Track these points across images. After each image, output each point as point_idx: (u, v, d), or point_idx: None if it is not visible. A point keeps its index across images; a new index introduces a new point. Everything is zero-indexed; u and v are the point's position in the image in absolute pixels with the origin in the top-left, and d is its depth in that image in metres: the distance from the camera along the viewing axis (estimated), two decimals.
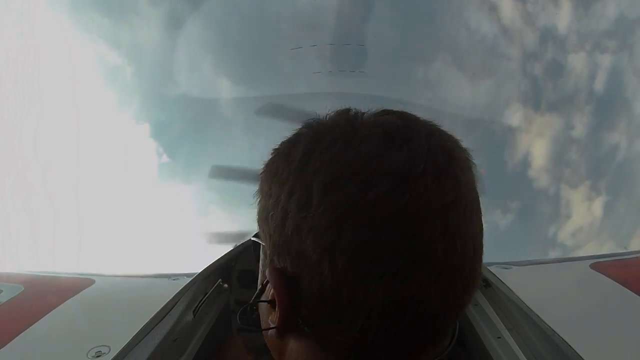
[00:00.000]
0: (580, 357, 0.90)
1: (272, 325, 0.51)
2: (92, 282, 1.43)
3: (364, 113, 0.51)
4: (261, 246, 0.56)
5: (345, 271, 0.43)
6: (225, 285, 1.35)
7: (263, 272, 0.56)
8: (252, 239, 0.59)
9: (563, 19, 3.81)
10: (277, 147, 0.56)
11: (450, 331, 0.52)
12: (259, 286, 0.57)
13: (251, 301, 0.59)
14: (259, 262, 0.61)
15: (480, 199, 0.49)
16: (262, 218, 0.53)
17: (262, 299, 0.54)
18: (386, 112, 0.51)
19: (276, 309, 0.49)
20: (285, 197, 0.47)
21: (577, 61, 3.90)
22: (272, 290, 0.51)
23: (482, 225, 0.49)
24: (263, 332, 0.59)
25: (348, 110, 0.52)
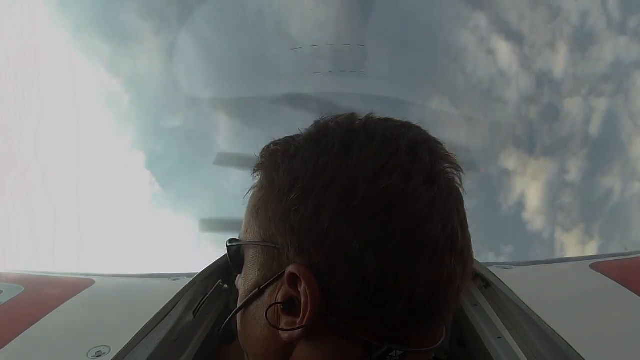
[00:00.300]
0: (581, 357, 0.90)
1: (287, 328, 0.49)
2: (92, 282, 1.43)
3: (370, 117, 0.54)
4: (263, 248, 0.53)
5: (392, 256, 0.46)
6: (226, 286, 1.35)
7: (263, 274, 0.53)
8: (255, 242, 0.54)
9: (559, 63, 3.81)
10: (283, 145, 0.54)
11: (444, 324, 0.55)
12: (254, 290, 0.54)
13: (240, 306, 0.56)
14: (240, 267, 0.58)
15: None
16: (277, 216, 0.50)
17: (267, 302, 0.52)
18: (389, 119, 0.55)
19: (303, 307, 0.48)
20: (320, 189, 0.48)
21: (572, 105, 3.91)
22: (280, 292, 0.50)
23: None
24: (244, 341, 0.57)
25: (354, 113, 0.54)
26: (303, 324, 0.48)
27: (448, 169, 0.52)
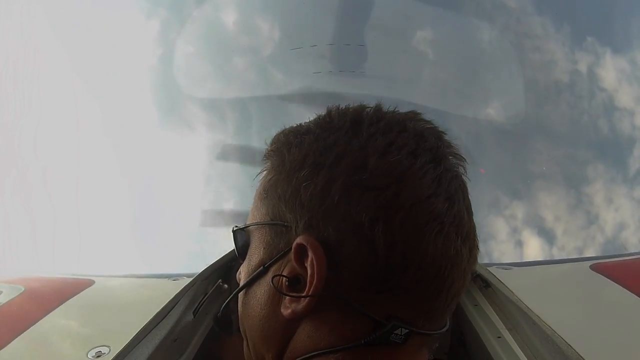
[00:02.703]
0: (581, 357, 0.90)
1: (292, 294, 0.49)
2: (91, 282, 1.43)
3: (379, 106, 0.55)
4: (271, 227, 0.53)
5: (401, 227, 0.46)
6: (226, 286, 1.35)
7: (269, 252, 0.52)
8: (263, 222, 0.54)
9: None
10: (294, 128, 0.55)
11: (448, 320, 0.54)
12: (259, 268, 0.53)
13: (242, 285, 0.55)
14: (245, 253, 0.57)
15: None
16: (287, 193, 0.50)
17: (271, 281, 0.51)
18: (398, 111, 0.55)
19: (309, 279, 0.47)
20: (331, 164, 0.49)
21: None
22: (286, 269, 0.50)
23: None
24: (245, 323, 0.56)
25: (364, 104, 0.55)
26: (309, 294, 0.47)
27: (452, 157, 0.53)
